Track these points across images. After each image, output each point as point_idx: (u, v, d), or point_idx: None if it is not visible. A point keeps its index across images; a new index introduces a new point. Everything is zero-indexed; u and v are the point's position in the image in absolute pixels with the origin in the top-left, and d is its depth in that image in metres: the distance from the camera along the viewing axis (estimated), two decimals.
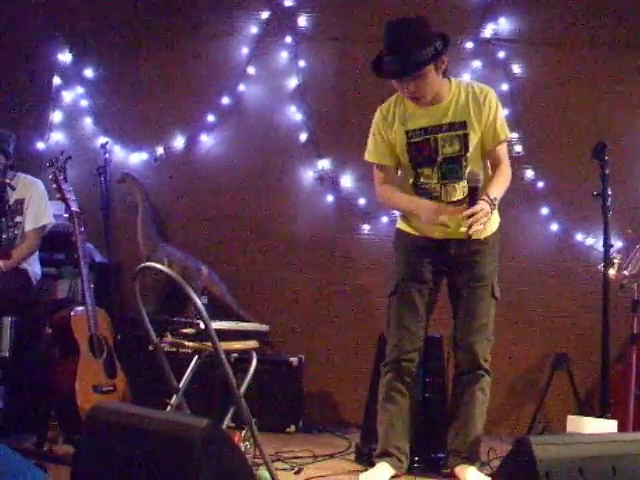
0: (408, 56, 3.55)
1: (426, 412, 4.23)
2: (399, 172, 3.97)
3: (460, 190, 3.78)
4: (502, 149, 3.86)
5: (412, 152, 3.80)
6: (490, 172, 3.88)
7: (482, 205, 3.59)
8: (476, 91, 3.77)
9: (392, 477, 3.86)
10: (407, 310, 3.88)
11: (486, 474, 3.85)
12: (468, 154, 3.77)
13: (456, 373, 3.96)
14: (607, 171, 3.88)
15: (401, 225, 4.00)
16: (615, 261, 4.24)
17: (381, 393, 3.97)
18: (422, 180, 3.83)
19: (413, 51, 3.54)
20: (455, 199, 3.79)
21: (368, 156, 3.96)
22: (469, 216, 3.56)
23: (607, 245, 3.90)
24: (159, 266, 3.55)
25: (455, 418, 3.96)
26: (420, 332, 3.90)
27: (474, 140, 3.77)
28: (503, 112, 3.90)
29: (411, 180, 3.88)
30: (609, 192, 3.87)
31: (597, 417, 3.79)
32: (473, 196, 3.61)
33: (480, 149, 3.81)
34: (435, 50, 3.60)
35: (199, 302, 3.22)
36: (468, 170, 3.72)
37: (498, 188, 3.75)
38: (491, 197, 3.65)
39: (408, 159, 3.82)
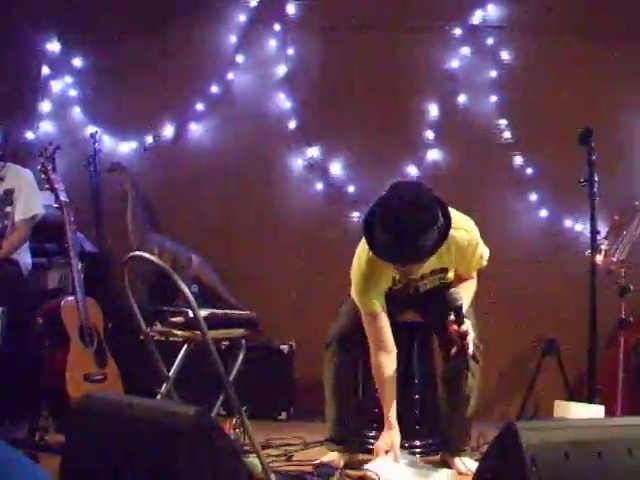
0: (412, 244, 3.32)
1: (416, 398, 4.25)
2: None
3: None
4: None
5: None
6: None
7: (468, 323, 3.51)
8: (457, 241, 3.61)
9: None
10: None
11: (475, 460, 3.87)
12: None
13: (445, 360, 3.96)
14: (594, 157, 3.87)
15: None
16: (602, 247, 4.24)
17: None
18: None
19: (419, 238, 3.30)
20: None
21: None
22: (463, 335, 3.46)
23: (594, 231, 3.90)
24: (147, 255, 3.54)
25: (445, 405, 3.97)
26: None
27: (452, 272, 3.79)
28: (483, 250, 3.80)
29: None
30: (595, 178, 3.86)
31: (585, 402, 3.81)
32: (458, 315, 3.48)
33: None
34: (438, 230, 3.37)
35: (188, 291, 3.22)
36: (448, 291, 3.54)
37: (467, 300, 3.65)
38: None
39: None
